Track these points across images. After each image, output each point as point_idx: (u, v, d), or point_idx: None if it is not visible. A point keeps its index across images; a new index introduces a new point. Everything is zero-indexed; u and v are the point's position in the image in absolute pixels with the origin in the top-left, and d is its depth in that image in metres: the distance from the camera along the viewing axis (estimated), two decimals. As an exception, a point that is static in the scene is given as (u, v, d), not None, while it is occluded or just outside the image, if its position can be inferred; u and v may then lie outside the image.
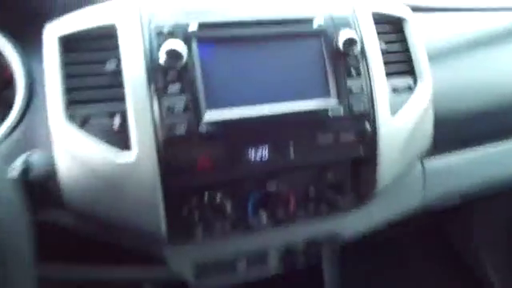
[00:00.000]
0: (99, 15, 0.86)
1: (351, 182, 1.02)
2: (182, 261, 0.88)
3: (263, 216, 0.87)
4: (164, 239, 0.79)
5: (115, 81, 0.83)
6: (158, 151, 0.82)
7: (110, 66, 0.84)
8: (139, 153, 0.81)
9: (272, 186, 0.94)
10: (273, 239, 0.94)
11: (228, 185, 0.91)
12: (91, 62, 0.85)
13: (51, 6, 0.88)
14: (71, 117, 0.81)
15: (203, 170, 0.84)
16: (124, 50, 0.84)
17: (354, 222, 1.00)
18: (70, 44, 0.84)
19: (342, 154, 0.95)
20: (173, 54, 0.81)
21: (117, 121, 0.82)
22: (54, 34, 0.84)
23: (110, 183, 0.81)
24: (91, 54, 0.85)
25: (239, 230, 0.86)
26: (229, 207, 0.86)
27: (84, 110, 0.82)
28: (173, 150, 0.82)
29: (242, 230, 0.87)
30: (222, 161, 0.86)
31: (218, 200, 0.85)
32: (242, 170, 0.88)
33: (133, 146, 0.81)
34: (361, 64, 0.95)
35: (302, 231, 0.95)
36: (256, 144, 0.88)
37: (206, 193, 0.89)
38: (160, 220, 0.78)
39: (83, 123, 0.82)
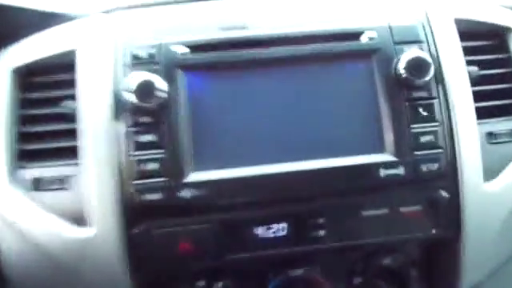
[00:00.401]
0: (59, 39, 0.64)
1: (419, 274, 0.69)
2: None
3: None
4: None
5: (72, 128, 0.61)
6: (124, 227, 0.59)
7: (67, 107, 0.61)
8: (99, 230, 0.59)
9: (297, 272, 0.66)
10: None
11: (228, 273, 0.64)
12: (46, 102, 0.63)
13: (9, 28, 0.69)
14: (17, 180, 0.61)
15: (187, 254, 0.58)
16: (83, 85, 0.61)
17: None
18: (24, 78, 0.64)
19: (402, 233, 0.63)
20: (148, 88, 0.56)
21: (73, 186, 0.60)
22: (5, 64, 0.64)
23: (62, 265, 0.60)
24: (46, 91, 0.64)
25: None
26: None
27: (33, 171, 0.62)
28: (144, 225, 0.59)
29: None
30: (215, 242, 0.60)
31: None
32: (247, 253, 0.60)
33: (91, 220, 0.59)
34: (436, 99, 0.62)
35: None
36: (268, 219, 0.60)
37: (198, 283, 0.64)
38: None
39: (31, 188, 0.61)
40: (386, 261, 0.70)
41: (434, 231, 0.63)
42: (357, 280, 0.70)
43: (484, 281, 0.67)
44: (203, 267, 0.64)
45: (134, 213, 0.58)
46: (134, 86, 0.57)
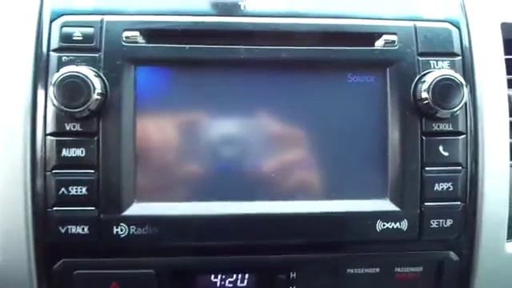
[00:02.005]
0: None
1: None
2: None
3: None
4: None
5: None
6: (40, 262, 0.46)
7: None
8: (6, 258, 0.46)
9: None
10: None
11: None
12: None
13: None
14: None
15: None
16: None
17: None
18: None
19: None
20: (76, 89, 0.41)
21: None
22: None
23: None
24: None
25: None
26: None
27: None
28: (64, 263, 0.46)
29: None
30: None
31: None
32: None
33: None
34: (463, 135, 0.48)
35: None
36: (227, 268, 0.47)
37: None
38: None
39: None
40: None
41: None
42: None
43: None
44: None
45: (52, 247, 0.45)
46: (57, 84, 0.41)
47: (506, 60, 0.51)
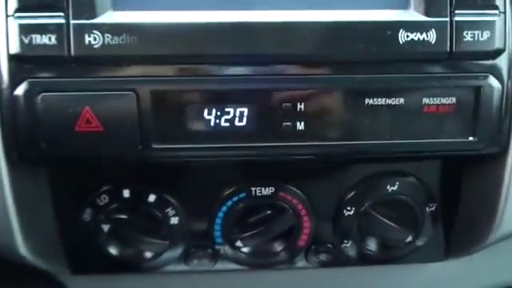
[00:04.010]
0: None
1: (434, 209, 0.49)
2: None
3: (244, 248, 0.51)
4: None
5: None
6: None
7: None
8: None
9: (262, 191, 0.48)
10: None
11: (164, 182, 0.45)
12: None
13: None
14: None
15: (91, 134, 0.38)
16: None
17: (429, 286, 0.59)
18: None
19: (419, 137, 0.43)
20: None
21: None
22: None
23: None
24: None
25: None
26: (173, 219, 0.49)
27: None
28: (28, 82, 0.38)
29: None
30: (137, 117, 0.39)
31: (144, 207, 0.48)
32: (185, 143, 0.41)
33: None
34: None
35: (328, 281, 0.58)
36: (219, 97, 0.40)
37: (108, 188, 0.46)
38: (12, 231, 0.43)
39: None
40: (391, 186, 0.49)
41: (470, 138, 0.42)
42: (347, 211, 0.50)
43: None
44: (123, 163, 0.43)
45: (14, 65, 0.38)
46: None
47: None
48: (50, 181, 0.47)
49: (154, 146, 0.39)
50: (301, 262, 0.54)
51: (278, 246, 0.51)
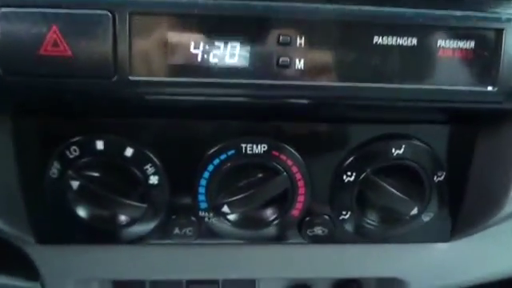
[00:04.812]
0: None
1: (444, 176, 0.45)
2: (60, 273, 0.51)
3: (231, 215, 0.46)
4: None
5: None
6: None
7: None
8: None
9: (254, 148, 0.43)
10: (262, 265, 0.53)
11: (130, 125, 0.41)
12: None
13: None
14: None
15: (53, 54, 0.33)
16: None
17: (433, 268, 0.54)
18: None
19: (432, 83, 0.38)
20: None
21: None
22: None
23: None
24: None
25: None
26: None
27: None
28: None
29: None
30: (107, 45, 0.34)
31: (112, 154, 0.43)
32: (167, 76, 0.36)
33: None
34: None
35: (325, 261, 0.53)
36: (211, 31, 0.36)
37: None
38: None
39: None
40: (396, 150, 0.44)
41: (489, 88, 0.37)
42: (347, 177, 0.45)
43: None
44: (95, 97, 0.37)
45: None
46: None
47: None
48: (12, 130, 0.41)
49: (131, 78, 0.34)
50: (293, 237, 0.48)
51: (269, 215, 0.46)
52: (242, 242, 0.48)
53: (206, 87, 0.36)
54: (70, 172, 0.42)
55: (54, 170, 0.42)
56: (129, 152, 0.42)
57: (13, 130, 0.41)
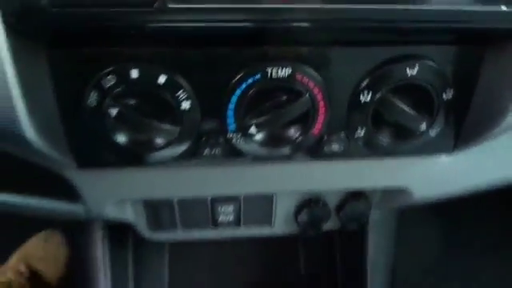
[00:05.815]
0: None
1: (456, 95, 0.48)
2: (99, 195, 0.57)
3: (257, 135, 0.50)
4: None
5: None
6: None
7: None
8: None
9: (279, 72, 0.46)
10: (280, 181, 0.59)
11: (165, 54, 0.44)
12: None
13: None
14: None
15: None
16: None
17: (435, 179, 0.61)
18: None
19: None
20: None
21: None
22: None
23: None
24: None
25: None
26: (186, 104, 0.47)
27: None
28: None
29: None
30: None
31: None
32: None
33: None
34: None
35: (338, 175, 0.59)
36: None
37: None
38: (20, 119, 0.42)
39: None
40: (410, 70, 0.47)
41: (503, 8, 0.40)
42: (364, 97, 0.49)
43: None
44: (135, 27, 0.39)
45: None
46: None
47: None
48: (49, 59, 0.43)
49: (170, 5, 0.36)
50: (312, 153, 0.53)
51: (292, 134, 0.50)
52: (264, 160, 0.53)
53: (238, 13, 0.38)
54: (107, 100, 0.45)
55: (92, 99, 0.45)
56: (162, 79, 0.45)
57: (50, 59, 0.43)
